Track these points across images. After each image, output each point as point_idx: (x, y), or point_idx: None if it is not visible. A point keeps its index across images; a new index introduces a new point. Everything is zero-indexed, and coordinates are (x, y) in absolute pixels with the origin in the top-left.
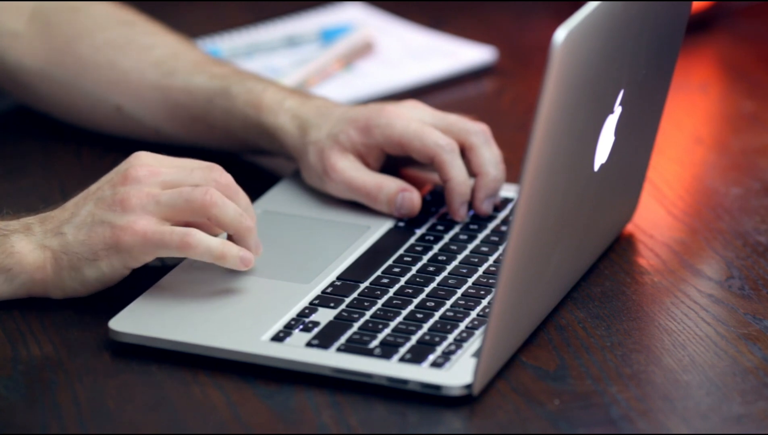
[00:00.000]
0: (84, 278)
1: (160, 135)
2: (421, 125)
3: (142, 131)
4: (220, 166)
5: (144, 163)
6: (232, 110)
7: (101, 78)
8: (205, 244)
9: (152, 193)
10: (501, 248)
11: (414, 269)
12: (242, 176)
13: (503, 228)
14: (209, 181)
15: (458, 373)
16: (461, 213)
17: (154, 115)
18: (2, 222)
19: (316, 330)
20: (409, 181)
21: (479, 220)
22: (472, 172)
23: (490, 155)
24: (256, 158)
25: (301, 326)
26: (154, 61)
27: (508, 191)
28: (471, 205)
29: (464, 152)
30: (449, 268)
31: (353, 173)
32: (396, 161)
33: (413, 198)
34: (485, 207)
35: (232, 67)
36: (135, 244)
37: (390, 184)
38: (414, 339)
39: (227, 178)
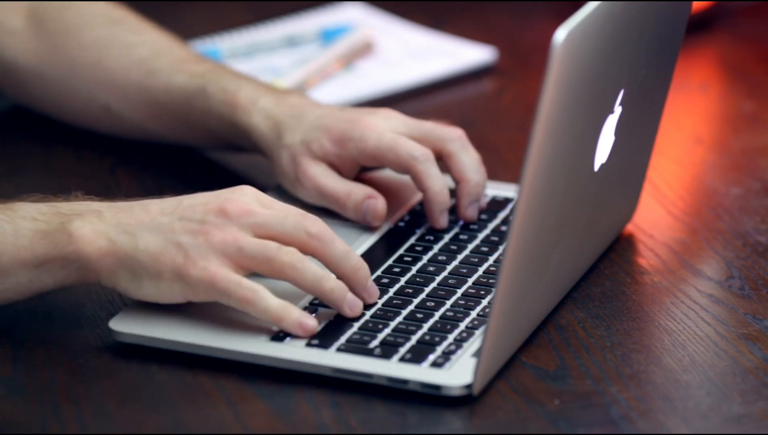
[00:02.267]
0: (140, 287)
1: (146, 134)
2: (395, 137)
3: (130, 130)
4: (315, 217)
5: (243, 200)
6: (209, 110)
7: (89, 77)
8: (264, 304)
9: (238, 236)
10: (501, 248)
11: (414, 269)
12: (242, 176)
13: (503, 228)
14: (299, 230)
15: (458, 373)
16: (442, 222)
17: (139, 115)
18: (67, 204)
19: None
20: (406, 187)
21: (479, 220)
22: (453, 180)
23: (469, 160)
24: (256, 158)
25: None
26: (137, 60)
27: (508, 191)
28: (456, 211)
29: (443, 160)
30: (449, 268)
31: (324, 180)
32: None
33: (377, 205)
34: (470, 213)
35: (212, 65)
36: (200, 283)
37: (358, 191)
38: (414, 339)
39: (319, 228)
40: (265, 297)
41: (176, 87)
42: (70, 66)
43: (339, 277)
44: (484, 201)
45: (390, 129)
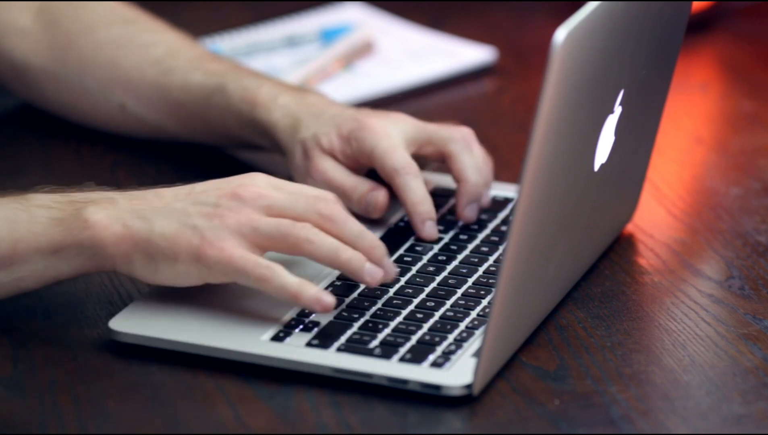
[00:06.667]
0: (156, 271)
1: (161, 133)
2: (390, 146)
3: (144, 129)
4: (331, 194)
5: (255, 184)
6: (228, 107)
7: (103, 76)
8: (281, 280)
9: (252, 217)
10: (501, 248)
11: (414, 269)
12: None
13: (503, 228)
14: (311, 212)
15: (458, 373)
16: (426, 231)
17: (155, 113)
18: (81, 193)
19: (316, 330)
20: None
21: (479, 221)
22: (454, 180)
23: (470, 161)
24: (256, 159)
25: (301, 326)
26: (153, 59)
27: (508, 191)
28: (455, 213)
29: (445, 161)
30: (449, 268)
31: (333, 173)
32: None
33: (378, 196)
34: (468, 213)
35: (229, 64)
36: (218, 262)
37: (364, 184)
38: (414, 339)
39: (332, 209)
40: (281, 274)
41: (194, 85)
42: (84, 65)
43: None
44: (487, 200)
45: (397, 133)
